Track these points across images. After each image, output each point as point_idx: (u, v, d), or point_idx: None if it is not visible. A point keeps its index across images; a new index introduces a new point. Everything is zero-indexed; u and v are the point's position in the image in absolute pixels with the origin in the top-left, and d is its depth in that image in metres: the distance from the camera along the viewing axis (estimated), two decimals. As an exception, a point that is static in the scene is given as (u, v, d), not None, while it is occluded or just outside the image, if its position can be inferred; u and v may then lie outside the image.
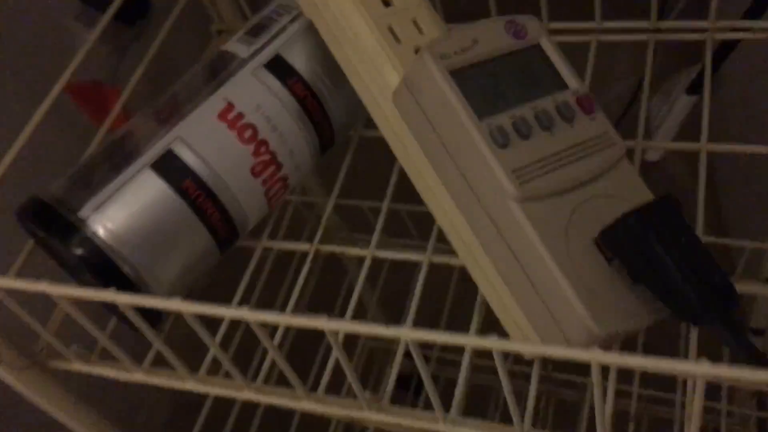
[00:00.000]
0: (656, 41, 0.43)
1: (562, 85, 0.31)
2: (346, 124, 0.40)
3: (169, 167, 0.35)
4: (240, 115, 0.36)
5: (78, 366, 0.37)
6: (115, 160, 0.35)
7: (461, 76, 0.29)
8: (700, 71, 0.45)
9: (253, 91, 0.36)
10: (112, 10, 0.45)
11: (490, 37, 0.31)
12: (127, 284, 0.33)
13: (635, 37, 0.43)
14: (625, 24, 0.43)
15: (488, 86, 0.30)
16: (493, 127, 0.29)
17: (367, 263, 0.37)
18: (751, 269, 0.59)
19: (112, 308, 0.35)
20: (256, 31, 0.38)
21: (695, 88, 0.47)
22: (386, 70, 0.34)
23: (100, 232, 0.33)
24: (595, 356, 0.24)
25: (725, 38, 0.42)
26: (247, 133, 0.36)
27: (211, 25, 0.54)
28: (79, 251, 0.33)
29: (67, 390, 0.40)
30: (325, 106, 0.38)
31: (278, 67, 0.37)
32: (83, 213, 0.33)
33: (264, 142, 0.36)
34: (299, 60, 0.37)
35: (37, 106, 0.40)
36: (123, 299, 0.30)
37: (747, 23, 0.42)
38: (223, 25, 0.53)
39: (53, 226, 0.33)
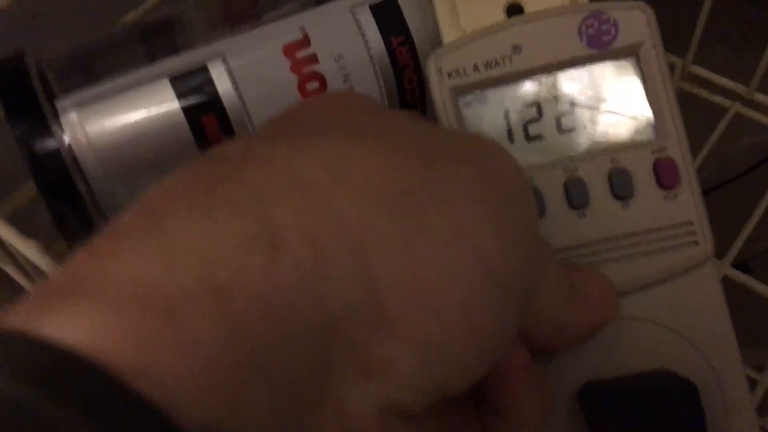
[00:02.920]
0: None
1: (642, 134, 0.20)
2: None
3: (194, 88, 0.25)
4: (312, 58, 0.26)
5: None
6: (135, 49, 0.26)
7: (473, 100, 0.21)
8: None
9: (341, 33, 0.26)
10: None
11: (545, 42, 0.20)
12: (77, 208, 0.25)
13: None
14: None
15: (511, 120, 0.21)
16: None
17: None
18: None
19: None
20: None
21: None
22: (444, 21, 0.24)
23: (70, 136, 0.24)
24: None
25: None
26: (312, 85, 0.26)
27: None
28: (37, 148, 0.24)
29: None
30: (427, 91, 0.28)
31: (387, 13, 0.27)
32: (62, 103, 0.25)
33: (328, 104, 0.27)
34: (416, 16, 0.27)
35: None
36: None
37: None
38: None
39: (18, 105, 0.25)
